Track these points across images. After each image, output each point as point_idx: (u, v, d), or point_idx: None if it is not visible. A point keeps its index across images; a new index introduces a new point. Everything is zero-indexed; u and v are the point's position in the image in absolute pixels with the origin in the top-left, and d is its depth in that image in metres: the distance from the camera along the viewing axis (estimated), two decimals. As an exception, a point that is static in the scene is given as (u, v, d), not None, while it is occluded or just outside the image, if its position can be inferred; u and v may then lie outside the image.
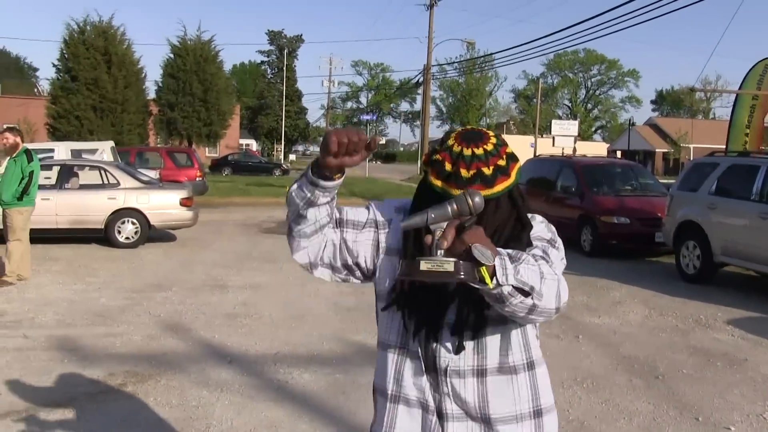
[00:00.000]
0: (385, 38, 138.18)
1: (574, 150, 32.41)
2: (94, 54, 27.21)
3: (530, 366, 1.77)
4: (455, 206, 1.48)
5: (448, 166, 1.64)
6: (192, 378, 5.12)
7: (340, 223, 1.79)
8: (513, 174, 1.66)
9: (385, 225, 1.81)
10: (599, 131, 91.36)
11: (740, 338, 6.67)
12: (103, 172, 11.97)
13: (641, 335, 6.72)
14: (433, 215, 1.48)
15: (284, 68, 65.72)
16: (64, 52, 27.61)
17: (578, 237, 12.08)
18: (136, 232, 11.49)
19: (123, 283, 8.60)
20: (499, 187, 1.63)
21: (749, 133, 13.57)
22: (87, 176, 12.17)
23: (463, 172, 1.61)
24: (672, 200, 10.23)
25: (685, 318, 7.41)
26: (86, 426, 4.21)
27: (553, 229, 1.79)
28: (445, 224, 1.46)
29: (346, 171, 1.62)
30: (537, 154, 22.91)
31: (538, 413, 1.77)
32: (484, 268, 1.41)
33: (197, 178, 20.37)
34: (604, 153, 52.95)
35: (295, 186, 1.66)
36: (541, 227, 1.75)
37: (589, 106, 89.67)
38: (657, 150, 62.87)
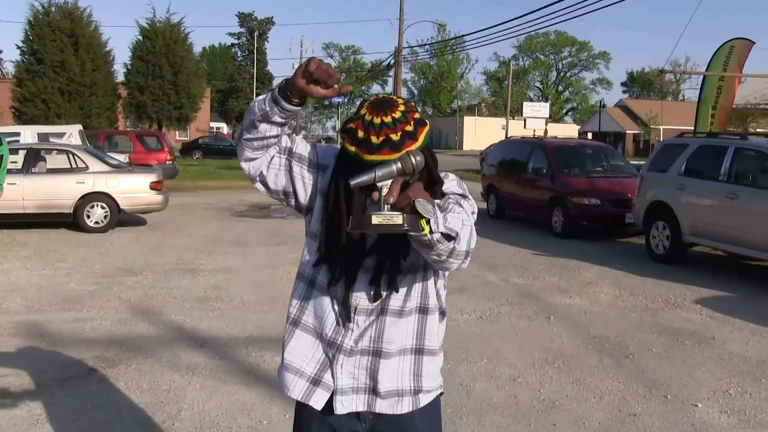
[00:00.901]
0: (357, 20, 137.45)
1: (546, 132, 32.67)
2: (60, 36, 26.62)
3: (423, 311, 1.97)
4: (399, 165, 1.64)
5: (360, 134, 1.77)
6: (163, 362, 5.08)
7: (290, 153, 1.97)
8: (421, 138, 1.78)
9: (325, 169, 1.97)
10: (570, 113, 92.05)
11: (708, 317, 6.78)
12: (70, 155, 11.76)
13: (612, 315, 6.80)
14: (380, 173, 1.62)
15: (255, 51, 65.12)
16: (29, 33, 26.96)
17: (549, 218, 12.18)
18: (105, 217, 11.34)
19: (93, 267, 8.49)
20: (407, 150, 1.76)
21: (716, 114, 13.74)
22: (54, 160, 11.98)
23: (374, 139, 1.74)
24: (642, 181, 10.33)
25: (655, 298, 7.52)
26: (56, 412, 4.16)
27: (465, 186, 1.96)
28: (390, 181, 1.61)
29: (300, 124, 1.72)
30: (508, 136, 22.97)
31: (419, 351, 1.98)
32: (424, 219, 1.57)
33: (167, 162, 20.13)
34: (575, 135, 53.45)
35: (260, 98, 1.83)
36: (452, 184, 1.93)
37: (560, 88, 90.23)
38: (627, 131, 63.52)
